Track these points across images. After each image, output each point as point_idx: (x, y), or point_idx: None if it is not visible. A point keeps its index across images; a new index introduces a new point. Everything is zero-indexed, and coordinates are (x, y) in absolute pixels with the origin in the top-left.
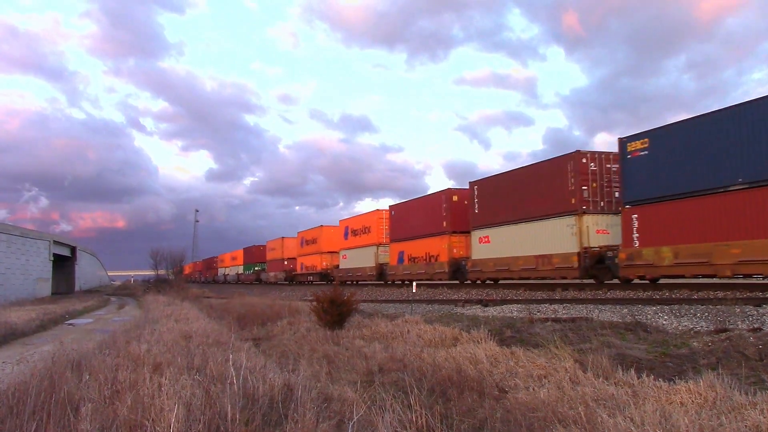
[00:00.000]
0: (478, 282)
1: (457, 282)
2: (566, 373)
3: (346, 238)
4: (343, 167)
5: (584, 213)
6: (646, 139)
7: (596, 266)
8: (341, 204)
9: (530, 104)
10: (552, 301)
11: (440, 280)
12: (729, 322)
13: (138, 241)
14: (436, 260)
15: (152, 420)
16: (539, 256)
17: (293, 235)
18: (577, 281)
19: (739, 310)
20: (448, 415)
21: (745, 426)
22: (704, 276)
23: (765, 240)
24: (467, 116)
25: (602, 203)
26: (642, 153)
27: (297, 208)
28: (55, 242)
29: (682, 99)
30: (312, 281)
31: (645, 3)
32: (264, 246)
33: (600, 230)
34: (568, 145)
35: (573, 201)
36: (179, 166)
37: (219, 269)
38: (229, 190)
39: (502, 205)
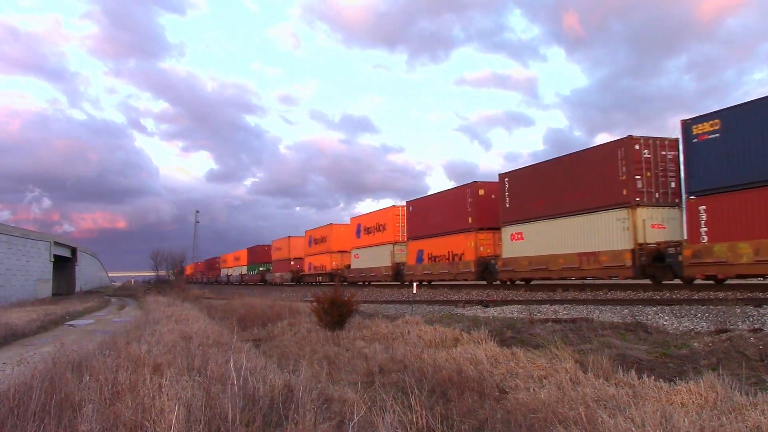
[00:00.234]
0: (508, 282)
1: (485, 282)
2: (567, 374)
3: (358, 237)
4: (343, 168)
5: (638, 205)
6: (716, 120)
7: (654, 264)
8: (342, 204)
9: (531, 105)
10: (552, 302)
11: (465, 280)
12: (729, 322)
13: (139, 242)
14: (460, 259)
15: (153, 421)
16: (583, 253)
17: (294, 235)
18: (630, 281)
19: (739, 310)
20: (449, 415)
21: (746, 426)
22: None
23: None
24: (468, 117)
25: (657, 194)
26: (712, 136)
27: (297, 208)
28: (56, 243)
29: (683, 99)
30: (321, 282)
31: (645, 3)
32: (269, 246)
33: (655, 224)
34: (569, 146)
35: (625, 192)
36: (180, 167)
37: (222, 270)
38: (229, 190)
39: (537, 198)
